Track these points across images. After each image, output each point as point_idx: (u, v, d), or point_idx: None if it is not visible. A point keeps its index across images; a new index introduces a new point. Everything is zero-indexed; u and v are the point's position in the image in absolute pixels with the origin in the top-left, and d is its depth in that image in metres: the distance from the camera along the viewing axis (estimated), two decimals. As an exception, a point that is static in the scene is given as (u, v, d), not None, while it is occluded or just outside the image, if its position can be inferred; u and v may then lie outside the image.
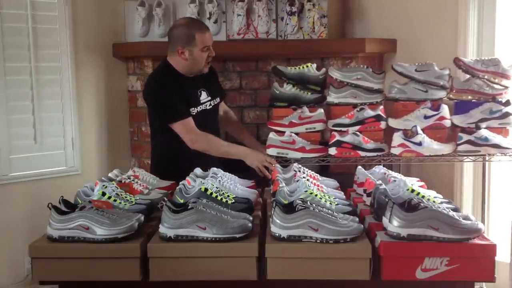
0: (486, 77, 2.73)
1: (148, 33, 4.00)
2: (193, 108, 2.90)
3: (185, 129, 2.84)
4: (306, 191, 2.13)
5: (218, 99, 3.07)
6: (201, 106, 2.95)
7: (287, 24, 3.85)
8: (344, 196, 2.33)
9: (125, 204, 2.16)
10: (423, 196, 2.09)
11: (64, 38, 3.71)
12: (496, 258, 1.90)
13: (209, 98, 3.00)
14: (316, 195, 2.12)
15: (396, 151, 2.56)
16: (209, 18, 3.80)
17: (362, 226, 1.97)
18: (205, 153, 2.83)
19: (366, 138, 2.59)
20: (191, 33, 2.89)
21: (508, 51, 3.19)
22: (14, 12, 3.51)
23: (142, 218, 2.04)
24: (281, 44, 3.85)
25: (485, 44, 3.28)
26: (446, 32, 3.43)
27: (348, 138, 2.57)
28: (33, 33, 3.55)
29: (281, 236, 1.92)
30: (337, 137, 2.58)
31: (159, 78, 2.95)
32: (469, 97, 2.74)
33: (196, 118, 2.88)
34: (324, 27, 3.86)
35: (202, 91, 2.98)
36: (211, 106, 3.01)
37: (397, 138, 2.56)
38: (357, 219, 2.01)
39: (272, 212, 1.95)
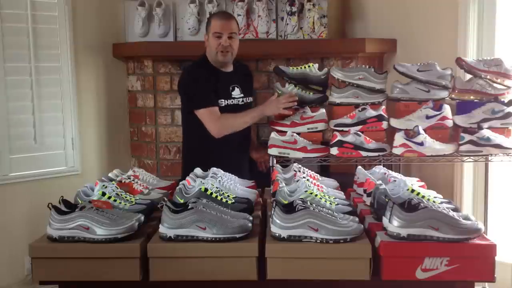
0: (488, 77, 2.73)
1: (148, 33, 4.00)
2: (222, 100, 2.95)
3: (211, 117, 2.88)
4: (306, 191, 2.13)
5: (251, 98, 3.13)
6: (232, 100, 3.00)
7: (287, 24, 3.84)
8: (344, 196, 2.33)
9: (125, 204, 2.16)
10: (423, 196, 2.09)
11: (64, 38, 3.71)
12: (496, 258, 1.90)
13: (242, 95, 3.06)
14: (316, 195, 2.12)
15: (398, 151, 2.56)
16: (209, 18, 3.80)
17: (362, 226, 1.97)
18: (233, 132, 2.89)
19: (367, 138, 2.59)
20: (210, 19, 3.02)
21: (508, 51, 3.18)
22: (14, 12, 3.51)
23: (142, 218, 2.04)
24: (281, 44, 3.84)
25: (485, 44, 3.27)
26: (446, 32, 3.43)
27: (349, 138, 2.56)
28: (33, 33, 3.55)
29: (281, 236, 1.92)
30: (339, 137, 2.57)
31: (193, 67, 3.06)
32: (471, 97, 2.73)
33: (225, 111, 2.93)
34: (324, 27, 3.85)
35: (236, 87, 3.04)
36: (243, 103, 3.06)
37: (399, 138, 2.55)
38: (357, 219, 2.01)
39: (272, 212, 1.95)
